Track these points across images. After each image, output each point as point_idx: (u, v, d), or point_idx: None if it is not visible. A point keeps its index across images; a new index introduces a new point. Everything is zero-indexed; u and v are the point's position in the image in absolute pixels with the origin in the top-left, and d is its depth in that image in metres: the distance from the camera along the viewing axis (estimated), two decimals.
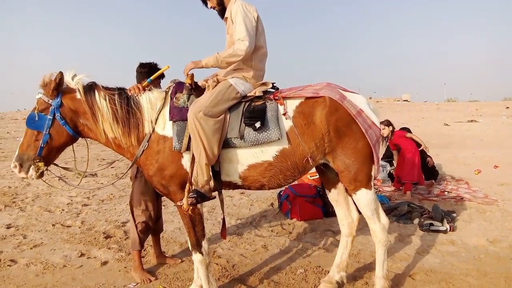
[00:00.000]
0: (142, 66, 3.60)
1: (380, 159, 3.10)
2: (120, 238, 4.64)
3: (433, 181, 7.25)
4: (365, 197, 2.99)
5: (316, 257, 4.00)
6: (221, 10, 3.15)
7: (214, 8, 3.15)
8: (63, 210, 5.89)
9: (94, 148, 2.91)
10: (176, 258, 4.03)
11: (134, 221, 3.67)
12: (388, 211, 5.19)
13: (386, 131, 6.85)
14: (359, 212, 3.26)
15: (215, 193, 2.99)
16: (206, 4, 3.17)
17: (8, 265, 3.91)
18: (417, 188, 6.85)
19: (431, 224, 4.76)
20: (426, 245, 4.29)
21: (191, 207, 2.72)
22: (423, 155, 6.99)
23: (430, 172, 7.22)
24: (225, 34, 3.20)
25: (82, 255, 4.14)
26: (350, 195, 3.18)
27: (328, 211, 5.25)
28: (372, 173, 3.01)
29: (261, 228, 4.94)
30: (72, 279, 3.61)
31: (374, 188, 3.10)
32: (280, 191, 5.73)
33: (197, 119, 2.67)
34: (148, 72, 3.47)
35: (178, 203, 2.74)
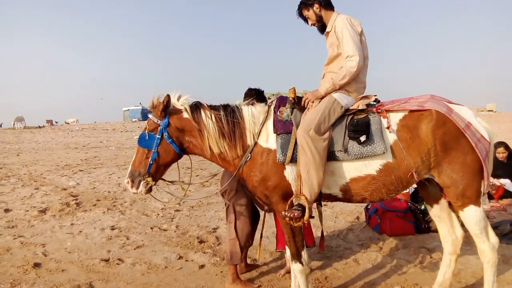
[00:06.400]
0: (250, 90, 3.87)
1: (490, 175, 2.93)
2: (213, 244, 4.87)
3: None
4: (474, 215, 2.85)
5: (413, 275, 3.85)
6: (321, 26, 3.26)
7: (314, 25, 3.26)
8: (158, 214, 6.34)
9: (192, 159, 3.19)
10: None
11: (237, 235, 3.67)
12: None
13: (505, 155, 6.59)
14: (464, 229, 3.11)
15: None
16: (307, 21, 3.29)
17: (116, 264, 4.30)
18: None
19: None
20: None
21: (297, 220, 2.76)
22: None
23: None
24: (322, 48, 3.33)
25: (180, 257, 4.42)
26: (456, 212, 3.05)
27: (420, 227, 5.03)
28: (482, 189, 2.86)
29: (349, 242, 4.88)
30: (174, 280, 3.87)
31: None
32: (368, 205, 5.61)
33: (309, 137, 2.72)
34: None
35: (283, 213, 2.82)
